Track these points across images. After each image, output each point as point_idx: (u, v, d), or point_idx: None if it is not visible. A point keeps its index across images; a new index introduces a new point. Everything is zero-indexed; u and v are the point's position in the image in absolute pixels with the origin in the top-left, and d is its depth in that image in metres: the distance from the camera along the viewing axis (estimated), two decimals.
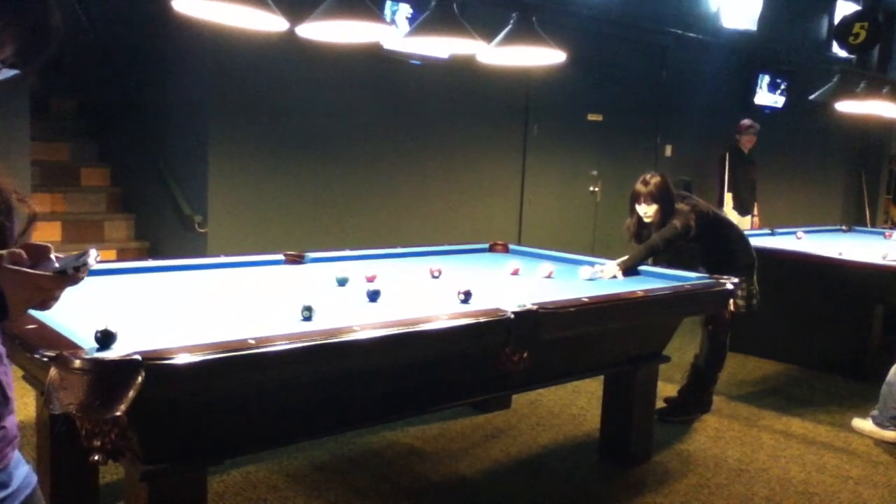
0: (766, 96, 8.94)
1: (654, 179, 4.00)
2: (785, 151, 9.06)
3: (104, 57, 6.29)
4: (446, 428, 4.00)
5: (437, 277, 3.53)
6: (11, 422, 1.25)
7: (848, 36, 8.68)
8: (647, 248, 3.95)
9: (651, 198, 3.97)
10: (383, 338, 2.32)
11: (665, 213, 3.98)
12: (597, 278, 3.71)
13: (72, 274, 1.17)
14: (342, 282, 3.23)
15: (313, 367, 2.24)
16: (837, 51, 9.09)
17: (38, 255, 1.18)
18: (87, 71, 6.55)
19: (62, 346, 1.93)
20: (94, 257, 1.19)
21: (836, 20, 9.19)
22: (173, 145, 5.82)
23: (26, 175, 5.17)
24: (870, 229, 7.57)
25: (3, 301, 1.12)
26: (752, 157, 7.54)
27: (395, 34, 3.52)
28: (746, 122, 7.44)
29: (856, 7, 9.43)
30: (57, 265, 1.18)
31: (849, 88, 5.93)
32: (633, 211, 4.09)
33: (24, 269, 1.14)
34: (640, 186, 4.02)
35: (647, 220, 4.03)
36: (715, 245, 4.16)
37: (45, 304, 1.21)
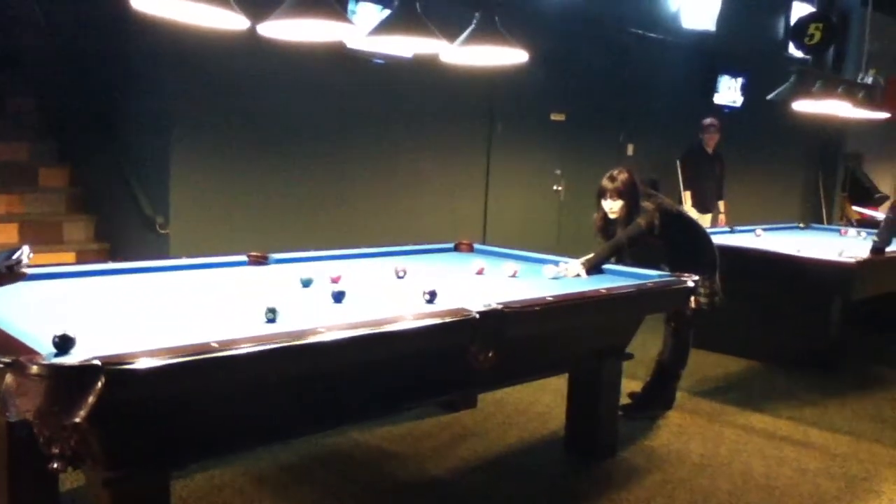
0: (726, 95, 9.08)
1: (622, 176, 4.03)
2: (744, 150, 9.21)
3: (64, 56, 6.16)
4: (413, 427, 4.00)
5: (402, 277, 3.52)
6: None
7: (804, 36, 8.88)
8: (610, 246, 3.98)
9: (617, 194, 4.01)
10: (349, 339, 2.31)
11: (631, 210, 4.02)
12: (561, 277, 3.74)
13: (6, 273, 1.17)
14: (306, 283, 3.21)
15: (278, 369, 2.23)
16: (794, 51, 9.29)
17: None
18: (47, 70, 6.41)
19: (19, 351, 1.89)
20: (26, 254, 1.18)
21: (793, 21, 9.40)
22: (135, 145, 5.73)
23: None
24: (826, 226, 7.75)
25: None
26: (718, 154, 7.64)
27: (358, 33, 3.51)
28: (708, 120, 7.55)
29: (811, 8, 9.64)
30: None
31: (805, 88, 6.05)
32: (599, 206, 4.12)
33: None
34: (606, 182, 4.05)
35: (612, 215, 4.07)
36: (678, 243, 4.21)
37: None
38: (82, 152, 6.24)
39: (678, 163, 7.71)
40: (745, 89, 9.19)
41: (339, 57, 5.63)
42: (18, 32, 6.17)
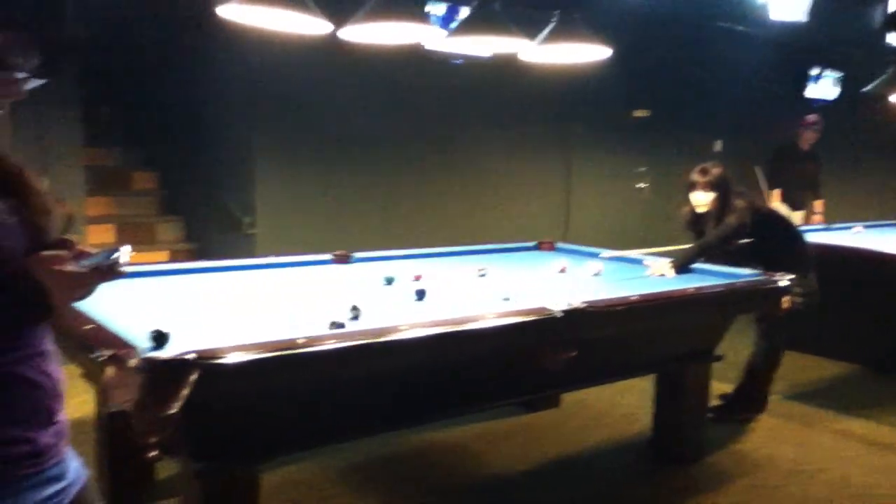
0: (818, 89, 8.72)
1: (715, 169, 3.94)
2: (838, 146, 8.81)
3: (150, 63, 6.41)
4: (492, 427, 3.99)
5: (483, 276, 3.51)
6: (63, 416, 1.29)
7: None
8: (699, 246, 3.88)
9: (709, 186, 3.91)
10: (430, 337, 2.32)
11: (721, 205, 3.91)
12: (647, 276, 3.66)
13: (108, 270, 1.21)
14: (389, 281, 3.24)
15: (360, 366, 2.25)
16: (893, 41, 8.83)
17: (71, 252, 1.22)
18: (134, 79, 6.68)
19: (118, 345, 1.97)
20: (125, 253, 1.23)
21: (891, 9, 8.94)
22: (221, 148, 5.91)
23: (80, 179, 5.30)
24: None
25: (49, 302, 1.15)
26: (812, 152, 7.33)
27: (437, 34, 3.52)
28: (811, 117, 7.22)
29: None
30: (89, 262, 1.22)
31: None
32: (688, 200, 4.03)
33: (67, 268, 1.17)
34: (697, 175, 3.96)
35: (701, 209, 3.97)
36: (769, 241, 4.06)
37: (80, 298, 1.25)
38: (170, 157, 6.48)
39: (772, 157, 7.42)
40: (838, 83, 8.80)
41: (417, 58, 5.67)
42: (106, 45, 6.45)
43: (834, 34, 8.60)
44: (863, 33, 9.37)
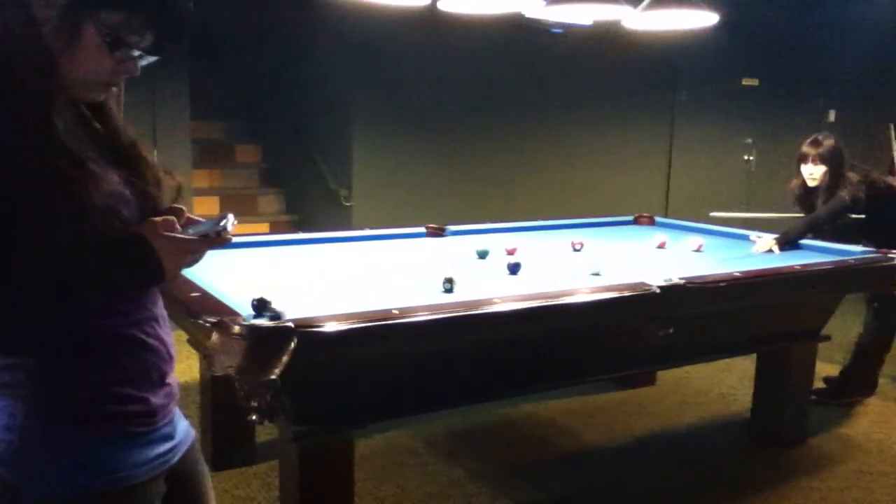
0: None
1: (827, 141, 3.77)
2: None
3: (252, 40, 6.57)
4: (587, 402, 3.95)
5: (578, 251, 3.47)
6: (174, 379, 1.35)
7: None
8: (808, 222, 3.72)
9: (820, 159, 3.75)
10: (524, 310, 2.31)
11: (833, 178, 3.74)
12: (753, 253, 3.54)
13: (215, 238, 1.25)
14: (483, 254, 3.24)
15: (454, 338, 2.26)
16: None
17: (180, 220, 1.27)
18: (237, 54, 6.87)
19: (223, 312, 2.04)
20: (231, 221, 1.26)
21: None
22: (319, 122, 6.03)
23: (188, 152, 5.51)
24: None
25: (162, 265, 1.20)
26: None
27: (536, 2, 3.46)
28: None
29: None
30: (197, 229, 1.26)
31: None
32: (798, 173, 3.87)
33: (177, 234, 1.22)
34: (808, 147, 3.80)
35: (812, 183, 3.81)
36: (886, 217, 3.84)
37: (188, 265, 1.30)
38: (271, 131, 6.65)
39: (891, 127, 6.96)
40: None
41: (516, 27, 5.59)
42: (212, 20, 6.64)
43: None
44: None
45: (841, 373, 4.05)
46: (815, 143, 3.79)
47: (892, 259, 3.29)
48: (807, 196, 3.89)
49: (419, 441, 3.44)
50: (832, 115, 7.65)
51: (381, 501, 2.93)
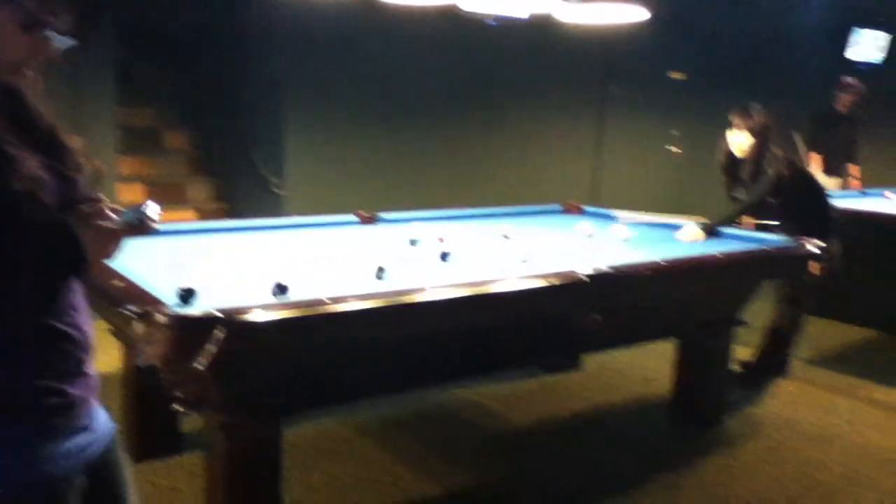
0: (863, 51, 8.45)
1: (758, 116, 3.87)
2: (883, 110, 8.58)
3: (184, 22, 6.42)
4: (516, 387, 4.03)
5: (508, 239, 3.52)
6: (94, 370, 1.33)
7: None
8: (739, 207, 3.86)
9: (748, 129, 3.85)
10: (455, 299, 2.34)
11: (760, 152, 3.84)
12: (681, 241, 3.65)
13: (137, 226, 1.24)
14: (414, 242, 3.26)
15: (386, 326, 2.28)
16: None
17: (103, 209, 1.25)
18: (168, 39, 6.70)
19: (148, 302, 2.01)
20: (153, 210, 1.25)
21: None
22: (251, 109, 5.94)
23: (112, 139, 5.36)
24: None
25: (84, 253, 1.18)
26: (851, 116, 7.14)
27: None
28: (848, 79, 7.04)
29: None
30: (120, 218, 1.25)
31: None
32: (725, 141, 3.97)
33: (102, 223, 1.20)
34: (739, 116, 3.89)
35: (739, 154, 3.91)
36: (800, 203, 4.00)
37: (111, 254, 1.28)
38: (203, 116, 6.52)
39: (809, 121, 7.24)
40: (887, 44, 8.50)
41: (451, 19, 5.61)
42: (143, 4, 6.46)
43: None
44: None
45: (756, 356, 4.22)
46: (746, 114, 3.86)
47: (806, 247, 3.45)
48: (731, 166, 3.98)
49: (350, 428, 3.45)
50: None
51: (310, 489, 2.93)
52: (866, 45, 8.47)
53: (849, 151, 7.20)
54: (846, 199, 5.66)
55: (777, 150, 3.86)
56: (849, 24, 8.27)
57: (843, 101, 7.00)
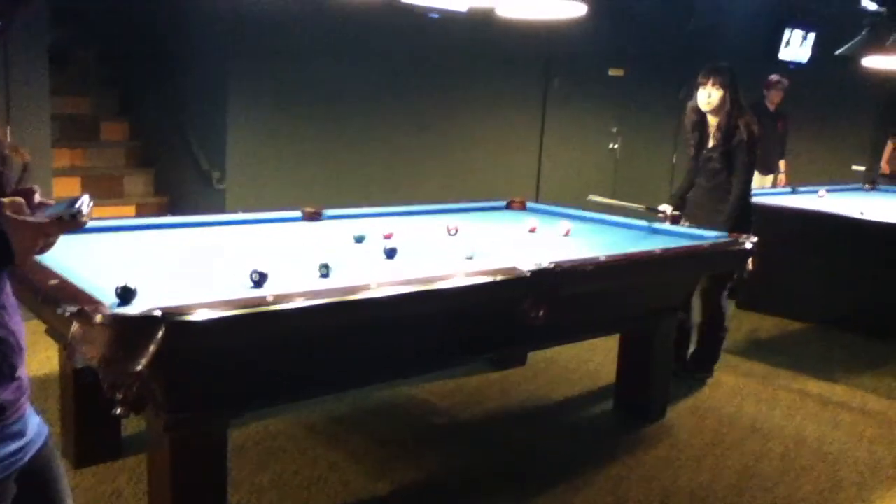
0: (792, 51, 8.74)
1: (724, 68, 3.89)
2: (810, 109, 8.88)
3: (124, 9, 6.25)
4: (463, 383, 4.04)
5: (454, 235, 3.53)
6: (24, 372, 1.28)
7: None
8: (735, 201, 3.89)
9: (719, 84, 3.85)
10: (400, 295, 2.33)
11: (731, 105, 3.85)
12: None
13: (70, 220, 1.19)
14: (359, 239, 3.24)
15: (330, 323, 2.26)
16: (868, 3, 8.85)
17: (31, 201, 1.20)
18: (107, 23, 6.51)
19: (84, 301, 1.95)
20: (87, 203, 1.21)
21: None
22: (193, 100, 5.82)
23: (46, 129, 5.18)
24: (894, 188, 7.45)
25: (10, 248, 1.14)
26: (781, 113, 7.37)
27: None
28: (774, 77, 7.26)
29: None
30: (50, 211, 1.20)
31: (878, 43, 5.78)
32: (693, 98, 4.00)
33: (27, 217, 1.16)
34: (707, 72, 3.91)
35: (706, 107, 3.91)
36: (739, 189, 4.02)
37: (42, 250, 1.23)
38: (142, 106, 6.35)
39: None
40: (812, 44, 8.82)
41: (393, 11, 5.59)
42: None
43: None
44: None
45: (693, 351, 4.30)
46: (715, 70, 3.89)
47: (743, 243, 3.54)
48: (698, 124, 4.02)
49: (298, 427, 3.42)
50: (684, 92, 8.07)
51: (258, 489, 2.90)
52: (795, 45, 8.75)
53: (780, 148, 7.43)
54: (779, 196, 5.83)
55: (744, 103, 3.90)
56: (780, 24, 8.52)
57: (772, 99, 7.22)
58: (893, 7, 8.14)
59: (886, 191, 7.02)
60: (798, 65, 8.79)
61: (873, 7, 8.63)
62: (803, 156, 8.87)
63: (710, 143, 4.04)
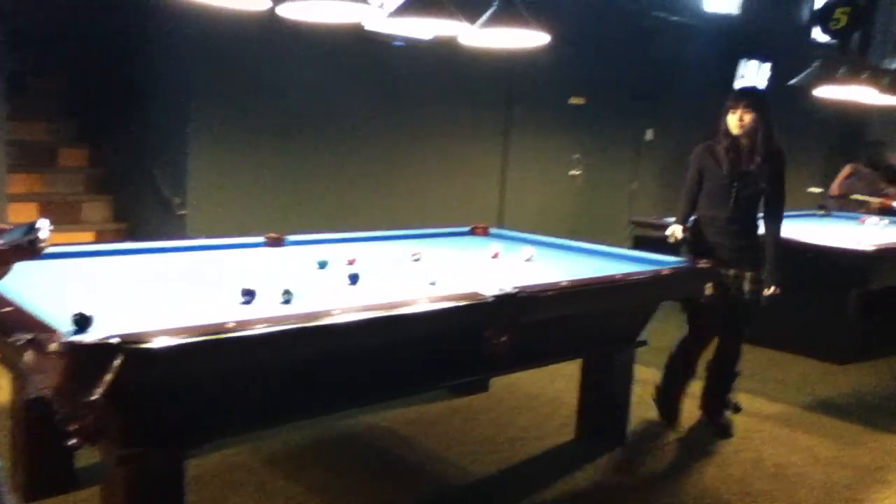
0: (748, 81, 8.98)
1: (754, 89, 3.88)
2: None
3: (84, 35, 6.20)
4: (424, 411, 4.02)
5: (417, 261, 3.53)
6: None
7: (829, 21, 8.70)
8: (773, 245, 3.82)
9: (752, 108, 3.74)
10: (363, 321, 2.32)
11: (765, 126, 3.75)
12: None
13: (27, 247, 1.18)
14: (322, 265, 3.23)
15: (292, 350, 2.24)
16: (820, 36, 9.14)
17: None
18: (67, 49, 6.45)
19: (38, 329, 1.92)
20: (45, 229, 1.19)
21: (818, 4, 9.24)
22: (154, 126, 5.77)
23: (2, 154, 5.09)
24: (847, 214, 7.64)
25: None
26: None
27: (377, 14, 3.49)
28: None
29: None
30: (7, 237, 1.18)
31: (829, 74, 5.95)
32: (723, 124, 3.87)
33: None
34: (738, 95, 3.85)
35: (736, 131, 3.77)
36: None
37: None
38: (102, 132, 6.29)
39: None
40: (767, 75, 9.07)
41: (357, 39, 5.62)
42: (41, 11, 6.20)
43: (764, 27, 8.86)
44: (792, 27, 9.68)
45: (706, 394, 4.10)
46: (744, 93, 3.81)
47: (702, 267, 3.60)
48: (733, 149, 3.84)
49: (257, 459, 3.37)
50: (649, 134, 8.24)
51: None
52: (750, 76, 8.99)
53: None
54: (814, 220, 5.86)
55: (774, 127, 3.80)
56: (736, 56, 8.76)
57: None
58: (842, 40, 8.42)
59: (839, 217, 7.18)
60: None
61: (824, 40, 8.94)
62: None
63: (751, 167, 3.85)
